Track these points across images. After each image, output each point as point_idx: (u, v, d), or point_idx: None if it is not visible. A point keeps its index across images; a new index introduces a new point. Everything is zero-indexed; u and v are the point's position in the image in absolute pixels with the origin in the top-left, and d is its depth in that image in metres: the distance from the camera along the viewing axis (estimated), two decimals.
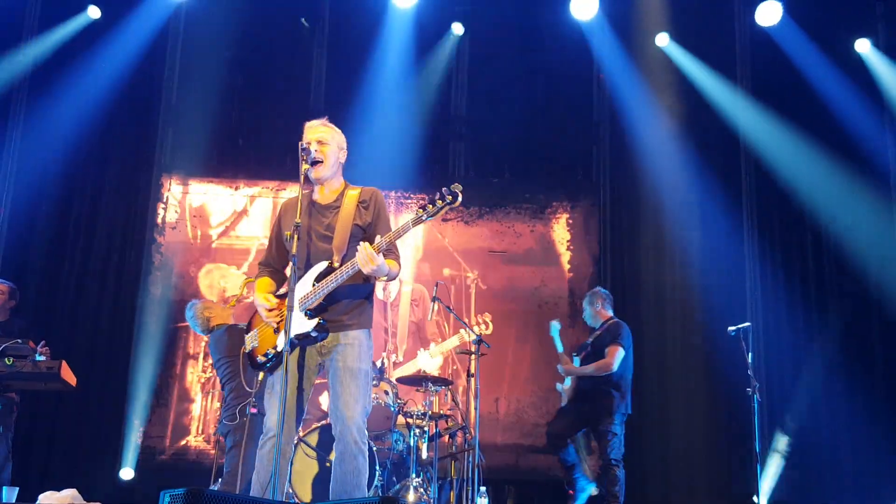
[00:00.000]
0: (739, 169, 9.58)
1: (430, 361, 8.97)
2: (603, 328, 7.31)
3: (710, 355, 8.85)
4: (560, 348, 7.41)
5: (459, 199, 4.16)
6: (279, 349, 4.30)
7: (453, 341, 8.55)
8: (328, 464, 6.48)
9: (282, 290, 4.49)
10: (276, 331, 4.33)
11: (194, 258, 9.34)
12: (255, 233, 9.47)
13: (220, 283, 9.29)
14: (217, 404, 8.89)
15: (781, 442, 8.70)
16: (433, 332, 9.28)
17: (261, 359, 4.42)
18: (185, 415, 8.98)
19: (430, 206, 4.16)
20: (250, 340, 4.51)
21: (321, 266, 4.30)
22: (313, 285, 4.28)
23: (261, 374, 4.53)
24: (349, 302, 4.37)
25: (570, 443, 7.18)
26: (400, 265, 4.42)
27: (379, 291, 9.14)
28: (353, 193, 4.50)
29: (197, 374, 9.09)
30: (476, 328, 7.39)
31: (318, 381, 4.53)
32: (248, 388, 5.94)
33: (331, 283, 4.24)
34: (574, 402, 7.25)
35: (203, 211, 9.47)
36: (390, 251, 4.31)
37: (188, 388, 9.06)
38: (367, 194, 4.52)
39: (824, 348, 8.85)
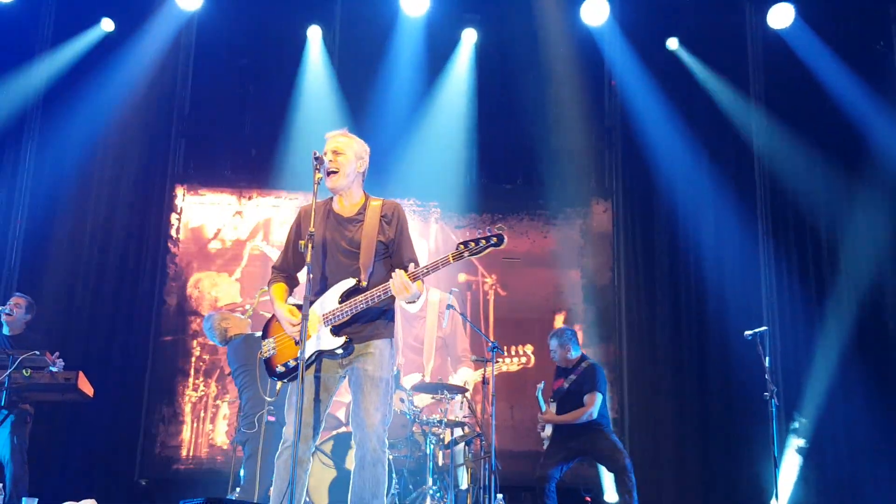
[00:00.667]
0: (753, 172, 9.54)
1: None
2: (579, 373, 7.22)
3: (726, 360, 8.83)
4: (543, 408, 7.39)
5: (505, 241, 4.22)
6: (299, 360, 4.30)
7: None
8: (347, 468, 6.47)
9: (296, 301, 4.49)
10: (298, 342, 4.32)
11: (208, 268, 9.35)
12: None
13: (212, 292, 9.28)
14: (210, 426, 8.94)
15: (797, 444, 8.66)
16: (464, 347, 9.20)
17: (280, 368, 4.41)
18: (201, 423, 8.99)
19: (474, 244, 4.21)
20: (268, 348, 4.49)
21: (348, 283, 4.29)
22: (340, 302, 4.28)
23: (279, 384, 4.51)
24: (372, 315, 4.36)
25: (552, 489, 7.11)
26: (424, 283, 4.39)
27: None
28: (375, 206, 4.47)
29: (188, 393, 9.08)
30: (515, 359, 7.31)
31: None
32: (266, 397, 5.95)
33: (360, 304, 4.24)
34: (559, 442, 7.19)
35: (217, 221, 9.47)
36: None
37: (202, 397, 9.06)
38: (390, 209, 4.49)
39: (841, 351, 8.79)
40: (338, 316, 4.26)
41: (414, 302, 4.32)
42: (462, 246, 4.20)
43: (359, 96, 9.37)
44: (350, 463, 4.41)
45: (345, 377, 4.40)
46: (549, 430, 7.30)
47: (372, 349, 4.33)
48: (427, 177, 9.39)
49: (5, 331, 7.15)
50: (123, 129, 9.23)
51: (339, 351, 4.26)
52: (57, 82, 9.22)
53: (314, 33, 9.59)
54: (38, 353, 6.34)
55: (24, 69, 9.15)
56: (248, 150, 9.62)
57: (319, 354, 4.31)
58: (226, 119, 9.54)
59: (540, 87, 9.68)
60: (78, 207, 9.15)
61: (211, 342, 6.90)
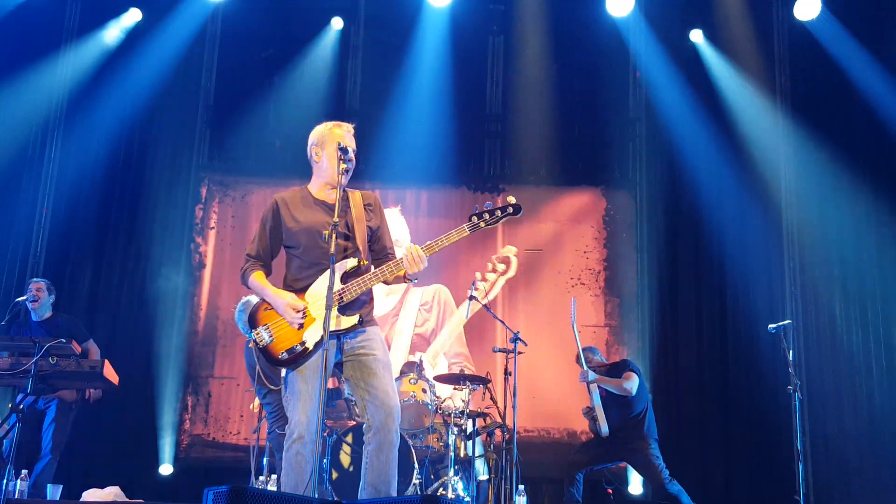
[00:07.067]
0: (777, 164, 9.44)
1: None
2: (610, 364, 7.41)
3: (750, 353, 8.78)
4: (584, 367, 7.33)
5: (521, 210, 4.27)
6: (307, 345, 4.27)
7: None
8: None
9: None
10: (301, 326, 4.30)
11: (231, 260, 9.38)
12: None
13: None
14: (234, 415, 8.97)
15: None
16: (459, 351, 9.22)
17: (284, 354, 4.32)
18: (223, 412, 9.05)
19: (489, 214, 4.23)
20: (262, 336, 4.36)
21: (349, 263, 4.30)
22: (343, 283, 4.26)
23: (282, 371, 4.47)
24: (365, 299, 4.40)
25: (579, 479, 7.10)
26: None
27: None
28: (356, 195, 4.54)
29: (213, 382, 9.13)
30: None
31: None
32: (271, 386, 5.90)
33: (373, 280, 4.26)
34: (602, 442, 7.17)
35: (241, 212, 9.51)
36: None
37: (226, 386, 9.11)
38: (371, 198, 4.58)
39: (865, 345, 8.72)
40: (344, 296, 4.24)
41: (418, 279, 4.34)
42: (476, 217, 4.22)
43: (382, 86, 9.38)
44: None
45: (345, 364, 4.36)
46: (597, 401, 7.11)
47: (372, 335, 4.37)
48: (450, 167, 9.41)
49: (34, 317, 7.24)
50: (149, 120, 9.30)
51: (353, 330, 4.23)
52: (83, 73, 9.28)
53: (338, 24, 9.62)
54: (64, 340, 6.38)
55: (50, 59, 9.22)
56: (272, 140, 9.65)
57: (331, 336, 4.22)
58: (250, 109, 9.58)
59: (564, 78, 9.66)
60: (103, 197, 9.23)
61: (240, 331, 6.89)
